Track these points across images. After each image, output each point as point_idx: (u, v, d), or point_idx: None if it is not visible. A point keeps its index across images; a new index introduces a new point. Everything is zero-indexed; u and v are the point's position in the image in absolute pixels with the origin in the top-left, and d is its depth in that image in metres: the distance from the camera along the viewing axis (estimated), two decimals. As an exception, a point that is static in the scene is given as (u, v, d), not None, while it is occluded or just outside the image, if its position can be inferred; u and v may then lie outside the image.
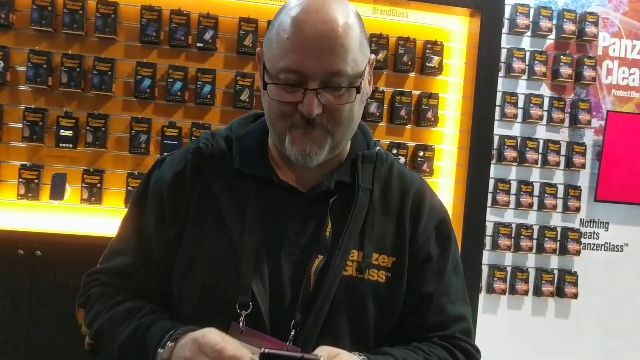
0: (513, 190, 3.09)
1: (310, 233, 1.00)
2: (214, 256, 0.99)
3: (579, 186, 3.12)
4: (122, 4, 2.52)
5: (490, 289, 3.08)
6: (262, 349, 0.83)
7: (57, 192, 2.50)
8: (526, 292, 3.09)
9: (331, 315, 0.97)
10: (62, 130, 2.49)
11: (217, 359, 0.82)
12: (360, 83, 0.94)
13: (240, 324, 0.94)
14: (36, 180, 2.49)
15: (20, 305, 2.43)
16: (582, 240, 3.14)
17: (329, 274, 0.97)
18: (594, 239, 3.18)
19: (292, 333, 0.95)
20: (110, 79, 2.50)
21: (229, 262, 0.98)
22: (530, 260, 3.13)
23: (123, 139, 2.56)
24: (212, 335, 0.86)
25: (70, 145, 2.50)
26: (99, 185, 2.52)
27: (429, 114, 2.74)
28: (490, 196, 2.99)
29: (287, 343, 0.95)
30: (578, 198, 3.11)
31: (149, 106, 2.59)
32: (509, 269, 3.09)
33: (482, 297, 3.03)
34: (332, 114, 0.93)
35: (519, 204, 3.08)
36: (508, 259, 3.11)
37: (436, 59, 2.73)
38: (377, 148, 1.07)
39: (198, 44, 2.56)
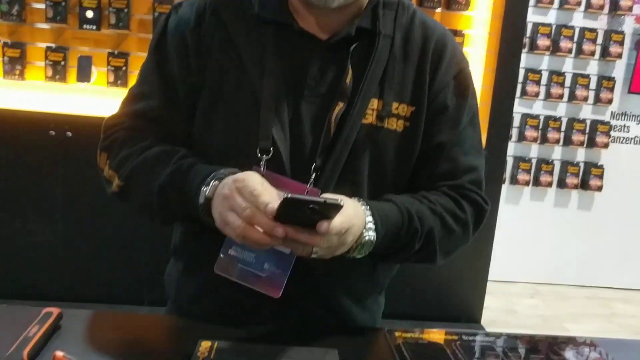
0: (544, 80, 3.01)
1: (330, 80, 0.99)
2: (235, 102, 0.99)
3: (613, 77, 3.03)
4: None
5: (514, 180, 3.08)
6: (286, 194, 0.85)
7: (84, 75, 2.52)
8: (550, 184, 3.09)
9: (350, 161, 0.98)
10: (85, 11, 2.47)
11: (253, 203, 0.84)
12: None
13: (262, 168, 0.97)
14: (62, 62, 2.50)
15: (54, 184, 2.53)
16: (612, 133, 3.09)
17: (348, 120, 0.97)
18: (624, 132, 3.12)
19: (312, 177, 0.97)
20: (130, -43, 2.44)
21: (250, 108, 0.98)
22: (557, 153, 3.10)
23: (146, 21, 2.53)
24: (253, 179, 0.86)
25: (94, 27, 2.49)
26: (124, 68, 2.53)
27: (460, -3, 2.63)
28: (519, 86, 2.92)
29: (308, 186, 0.97)
30: (611, 90, 3.02)
31: (172, -13, 2.53)
32: (534, 161, 3.08)
33: (505, 187, 3.04)
34: None
35: (548, 95, 3.01)
36: (534, 151, 3.09)
37: (470, -64, 2.57)
38: (399, -5, 1.04)
39: None
